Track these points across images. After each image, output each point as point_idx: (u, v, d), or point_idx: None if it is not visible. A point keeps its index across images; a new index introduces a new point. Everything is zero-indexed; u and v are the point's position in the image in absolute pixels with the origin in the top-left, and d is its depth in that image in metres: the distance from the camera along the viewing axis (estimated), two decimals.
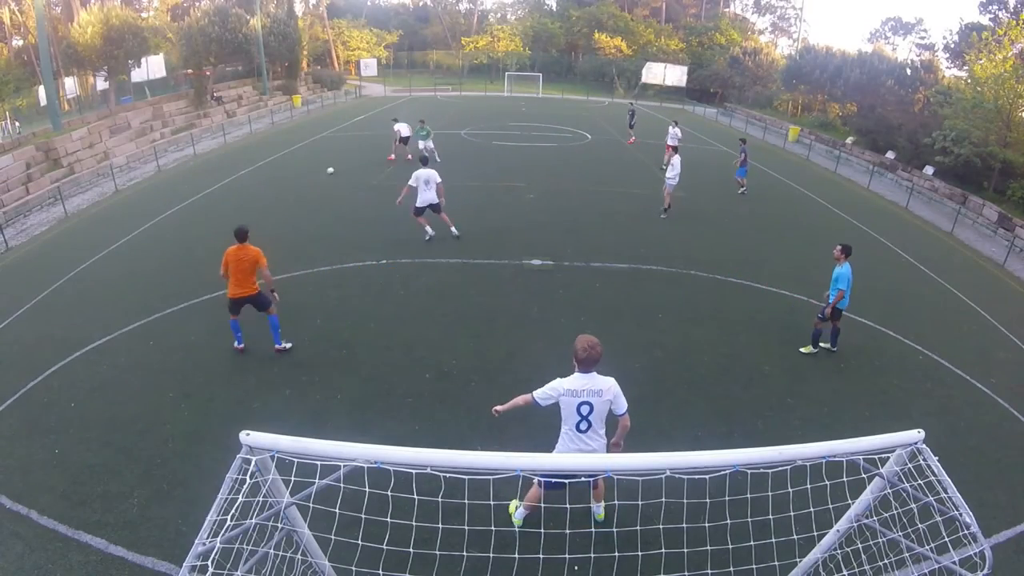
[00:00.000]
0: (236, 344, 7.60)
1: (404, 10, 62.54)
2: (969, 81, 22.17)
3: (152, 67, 27.67)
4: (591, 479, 4.40)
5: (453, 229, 10.29)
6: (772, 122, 32.96)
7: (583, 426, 4.19)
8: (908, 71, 30.52)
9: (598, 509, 4.92)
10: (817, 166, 23.72)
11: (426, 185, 9.96)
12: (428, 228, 10.05)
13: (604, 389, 4.15)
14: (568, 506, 2.90)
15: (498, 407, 4.41)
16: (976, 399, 7.46)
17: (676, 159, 13.80)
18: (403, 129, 19.39)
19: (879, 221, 15.71)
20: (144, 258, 10.62)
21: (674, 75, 44.99)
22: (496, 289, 9.81)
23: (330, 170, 10.47)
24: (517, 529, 3.06)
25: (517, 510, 4.74)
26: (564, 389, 4.13)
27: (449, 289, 9.72)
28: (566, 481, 4.20)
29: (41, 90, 21.09)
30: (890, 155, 24.01)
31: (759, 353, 8.14)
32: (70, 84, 24.21)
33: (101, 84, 24.72)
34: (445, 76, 52.25)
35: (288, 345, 7.66)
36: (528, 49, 53.98)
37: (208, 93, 28.50)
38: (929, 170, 21.43)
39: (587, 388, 4.11)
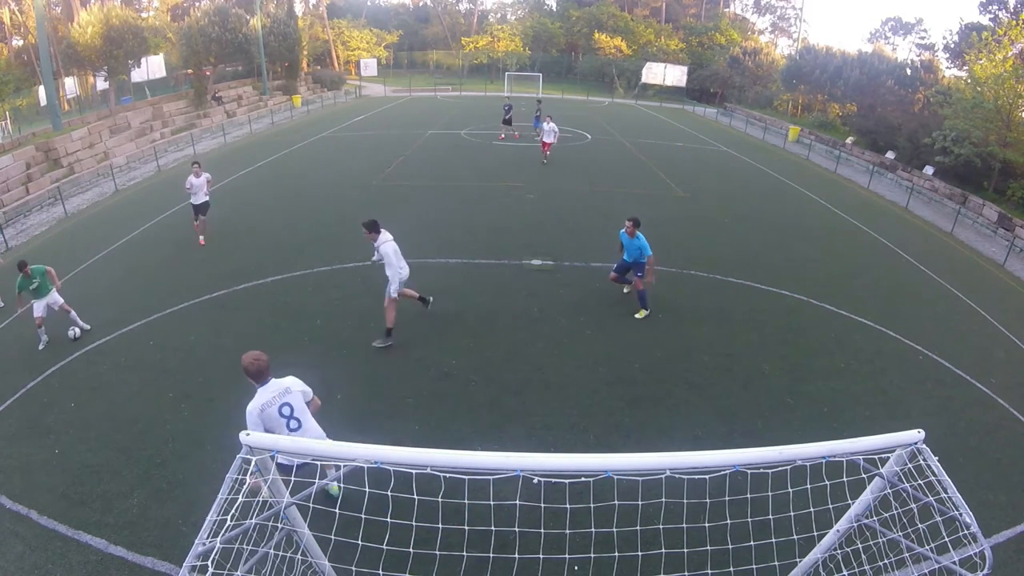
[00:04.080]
0: None
1: (404, 10, 62.50)
2: (969, 81, 22.12)
3: (152, 67, 27.67)
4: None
5: None
6: (772, 122, 32.95)
7: (293, 424, 4.32)
8: (908, 71, 30.51)
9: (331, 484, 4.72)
10: (817, 166, 23.72)
11: None
12: None
13: (288, 385, 4.39)
14: (568, 506, 2.89)
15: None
16: (976, 399, 7.46)
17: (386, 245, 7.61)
18: (194, 185, 11.26)
19: (879, 221, 15.70)
20: (144, 258, 10.62)
21: (674, 75, 45.01)
22: (496, 289, 9.82)
23: None
24: (517, 529, 3.05)
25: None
26: (259, 407, 4.19)
27: (449, 289, 9.72)
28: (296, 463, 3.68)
29: (41, 90, 21.10)
30: (890, 155, 24.01)
31: (759, 353, 8.14)
32: (70, 84, 24.22)
33: (101, 84, 24.69)
34: (445, 76, 52.24)
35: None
36: (528, 49, 53.96)
37: (208, 93, 28.49)
38: (929, 170, 21.42)
39: (275, 393, 4.29)
